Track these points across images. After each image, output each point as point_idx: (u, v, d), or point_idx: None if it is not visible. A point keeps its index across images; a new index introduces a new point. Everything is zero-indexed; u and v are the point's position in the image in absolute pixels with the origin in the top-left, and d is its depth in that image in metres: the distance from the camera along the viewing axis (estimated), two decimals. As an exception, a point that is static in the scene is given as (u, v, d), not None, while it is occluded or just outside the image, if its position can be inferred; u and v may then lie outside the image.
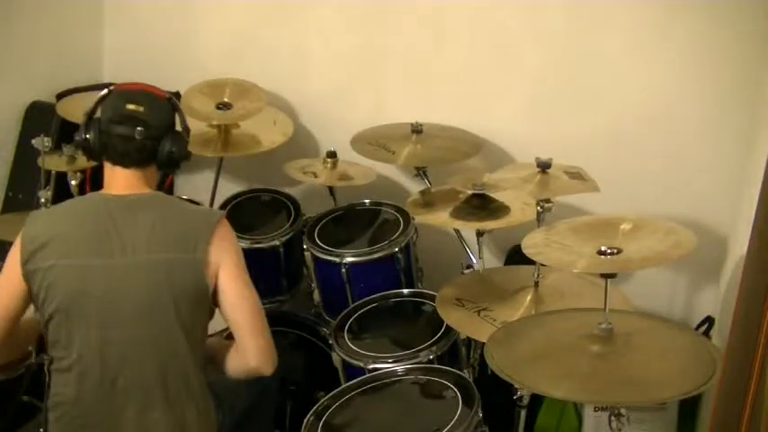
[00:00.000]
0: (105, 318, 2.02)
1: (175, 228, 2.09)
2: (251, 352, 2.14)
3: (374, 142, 3.11)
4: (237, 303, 2.14)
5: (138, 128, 2.10)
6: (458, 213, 2.67)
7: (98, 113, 2.18)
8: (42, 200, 2.80)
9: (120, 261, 2.03)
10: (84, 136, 2.16)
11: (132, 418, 2.04)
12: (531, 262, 2.30)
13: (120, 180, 2.14)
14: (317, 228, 3.04)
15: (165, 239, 2.06)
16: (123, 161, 2.13)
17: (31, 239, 2.05)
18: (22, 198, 3.44)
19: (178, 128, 2.23)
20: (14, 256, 2.06)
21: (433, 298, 2.62)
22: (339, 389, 2.37)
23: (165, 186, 2.66)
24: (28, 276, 2.03)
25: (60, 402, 2.07)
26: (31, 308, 2.12)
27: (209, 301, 2.11)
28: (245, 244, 3.05)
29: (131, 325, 2.03)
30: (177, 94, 3.28)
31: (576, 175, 2.50)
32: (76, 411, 2.06)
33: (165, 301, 2.04)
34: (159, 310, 2.04)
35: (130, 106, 2.12)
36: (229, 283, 2.12)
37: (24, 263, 2.04)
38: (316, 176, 3.15)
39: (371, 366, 2.48)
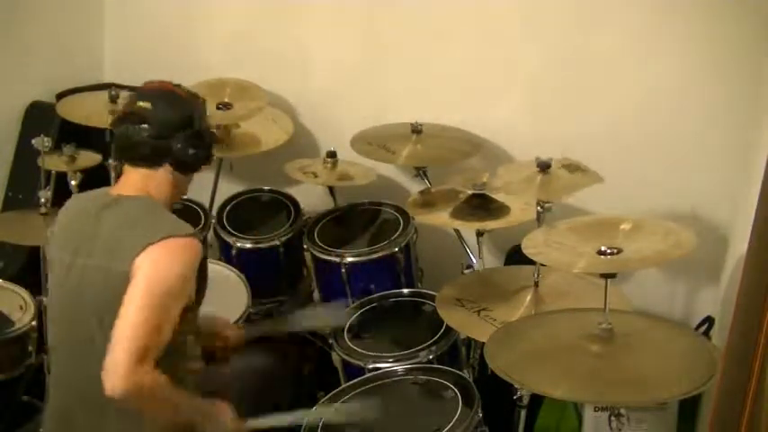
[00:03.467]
0: (62, 315, 2.04)
1: (121, 236, 2.00)
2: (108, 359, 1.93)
3: (374, 142, 3.11)
4: (121, 319, 1.93)
5: (143, 125, 2.05)
6: (458, 213, 2.67)
7: None
8: (42, 200, 2.80)
9: (81, 261, 2.01)
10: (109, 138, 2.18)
11: (82, 421, 2.04)
12: (531, 262, 2.30)
13: (123, 179, 2.12)
14: (317, 228, 3.04)
15: (108, 247, 1.99)
16: (129, 158, 2.10)
17: (54, 228, 2.13)
18: (22, 198, 3.43)
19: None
20: None
21: (433, 298, 2.62)
22: (339, 389, 2.37)
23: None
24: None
25: (47, 398, 2.13)
26: None
27: None
28: (245, 244, 3.06)
29: (71, 327, 2.03)
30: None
31: (575, 168, 2.49)
32: (48, 407, 2.10)
33: (91, 309, 1.99)
34: (86, 317, 1.99)
35: (141, 103, 2.08)
36: (126, 299, 1.93)
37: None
38: (316, 176, 3.15)
39: (371, 366, 2.48)
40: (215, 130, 2.30)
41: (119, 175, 2.18)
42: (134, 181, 2.09)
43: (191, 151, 2.08)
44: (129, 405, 1.93)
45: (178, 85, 2.16)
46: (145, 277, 1.93)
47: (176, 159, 2.08)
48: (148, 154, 2.07)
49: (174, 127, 2.07)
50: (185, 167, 2.11)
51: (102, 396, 1.96)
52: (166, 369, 2.01)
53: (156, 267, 1.94)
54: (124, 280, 1.93)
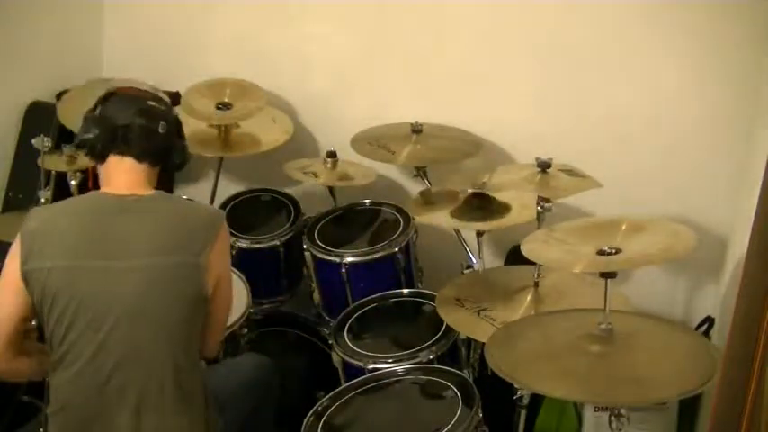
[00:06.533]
0: (100, 320, 1.99)
1: (177, 230, 2.05)
2: (210, 345, 2.24)
3: (374, 142, 3.11)
4: (224, 306, 2.23)
5: (162, 122, 2.11)
6: (458, 213, 2.67)
7: (99, 111, 2.12)
8: (42, 200, 2.80)
9: (119, 264, 1.99)
10: (89, 134, 2.10)
11: (126, 421, 2.02)
12: (531, 262, 2.30)
13: (123, 177, 2.09)
14: (317, 228, 3.04)
15: (167, 243, 2.03)
16: (141, 154, 2.09)
17: (31, 237, 2.02)
18: (22, 198, 3.43)
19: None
20: (15, 253, 2.02)
21: (433, 298, 2.62)
22: (339, 389, 2.37)
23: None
24: (27, 275, 2.00)
25: (59, 403, 2.06)
26: None
27: (207, 304, 2.09)
28: (245, 244, 3.06)
29: (127, 328, 1.99)
30: (177, 95, 3.29)
31: (573, 173, 2.49)
32: (73, 412, 2.05)
33: (163, 305, 2.01)
34: (156, 314, 2.00)
35: (152, 103, 2.12)
36: (223, 286, 2.15)
37: (24, 261, 2.00)
38: (316, 176, 3.15)
39: (371, 366, 2.48)
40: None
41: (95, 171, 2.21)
42: (136, 177, 2.09)
43: (182, 153, 2.19)
44: None
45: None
46: (227, 267, 2.17)
47: (173, 159, 2.17)
48: (159, 152, 2.13)
49: (175, 130, 2.17)
50: (176, 167, 2.21)
51: (158, 394, 2.02)
52: (189, 372, 2.07)
53: (228, 253, 2.20)
54: (204, 271, 2.03)
